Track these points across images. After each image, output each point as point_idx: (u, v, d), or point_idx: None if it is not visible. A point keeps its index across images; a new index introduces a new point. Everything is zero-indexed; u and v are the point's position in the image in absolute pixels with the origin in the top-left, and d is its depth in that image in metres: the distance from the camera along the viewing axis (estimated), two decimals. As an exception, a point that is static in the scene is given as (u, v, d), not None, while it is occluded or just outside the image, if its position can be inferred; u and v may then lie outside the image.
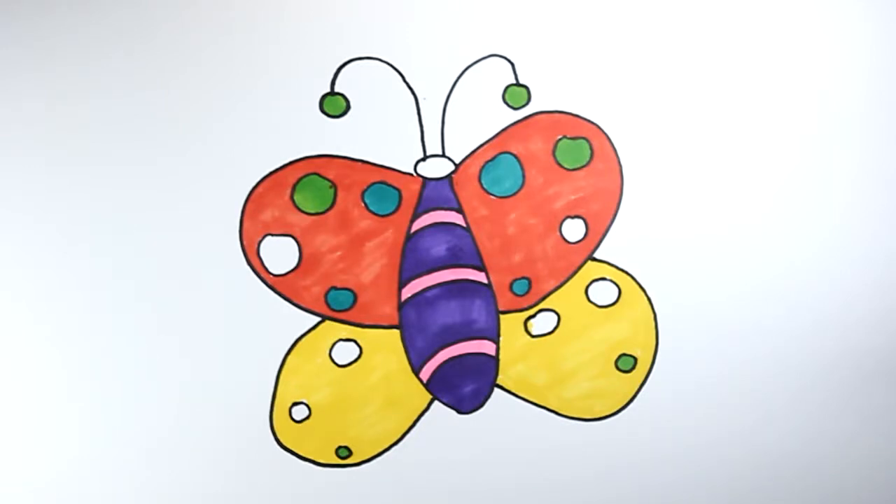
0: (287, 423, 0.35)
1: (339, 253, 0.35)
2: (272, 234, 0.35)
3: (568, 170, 0.37)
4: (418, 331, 0.36)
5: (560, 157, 0.37)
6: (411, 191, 0.36)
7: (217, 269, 0.34)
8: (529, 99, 0.37)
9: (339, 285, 0.35)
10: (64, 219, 0.34)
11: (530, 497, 0.37)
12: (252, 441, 0.35)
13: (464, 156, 0.36)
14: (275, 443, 0.35)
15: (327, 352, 0.35)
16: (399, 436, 0.36)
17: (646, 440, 0.37)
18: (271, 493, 0.35)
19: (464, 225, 0.36)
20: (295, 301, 0.35)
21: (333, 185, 0.35)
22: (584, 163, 0.37)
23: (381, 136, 0.36)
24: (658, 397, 0.38)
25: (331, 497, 0.35)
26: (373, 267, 0.36)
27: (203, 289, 0.34)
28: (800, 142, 0.39)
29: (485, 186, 0.36)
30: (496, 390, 0.37)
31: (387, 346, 0.36)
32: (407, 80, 0.36)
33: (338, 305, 0.35)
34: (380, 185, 0.35)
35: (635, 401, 0.38)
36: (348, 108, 0.35)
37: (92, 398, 0.34)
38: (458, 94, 0.36)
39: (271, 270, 0.35)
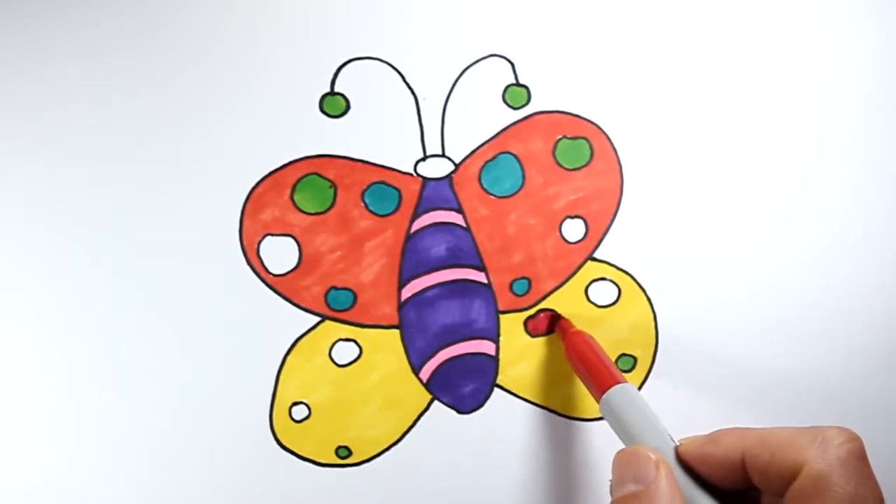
0: (287, 422, 0.35)
1: (339, 253, 0.35)
2: (272, 234, 0.35)
3: (568, 170, 0.37)
4: (418, 331, 0.36)
5: (560, 157, 0.37)
6: (411, 191, 0.36)
7: (217, 269, 0.34)
8: (529, 99, 0.37)
9: (339, 285, 0.35)
10: (64, 219, 0.34)
11: (530, 497, 0.37)
12: (252, 441, 0.35)
13: (464, 156, 0.36)
14: (274, 443, 0.35)
15: (327, 352, 0.35)
16: (399, 435, 0.36)
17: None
18: (271, 493, 0.35)
19: (464, 225, 0.36)
20: (295, 301, 0.35)
21: (333, 185, 0.35)
22: (584, 163, 0.37)
23: (381, 136, 0.36)
24: (658, 397, 0.38)
25: (331, 497, 0.35)
26: (373, 267, 0.36)
27: (203, 289, 0.34)
28: (801, 142, 0.39)
29: (485, 186, 0.36)
30: (496, 390, 0.37)
31: (387, 346, 0.36)
32: (407, 80, 0.36)
33: (338, 305, 0.35)
34: (380, 185, 0.35)
35: (635, 401, 0.37)
36: (348, 108, 0.35)
37: (91, 398, 0.34)
38: (458, 94, 0.36)
39: (271, 270, 0.35)
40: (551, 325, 0.37)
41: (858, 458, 0.22)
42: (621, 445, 0.29)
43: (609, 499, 0.26)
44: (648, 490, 0.24)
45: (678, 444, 0.27)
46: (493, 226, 0.36)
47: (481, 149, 0.36)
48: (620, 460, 0.26)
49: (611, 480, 0.26)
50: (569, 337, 0.35)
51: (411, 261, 0.36)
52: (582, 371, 0.33)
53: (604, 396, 0.30)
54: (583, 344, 0.34)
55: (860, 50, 0.39)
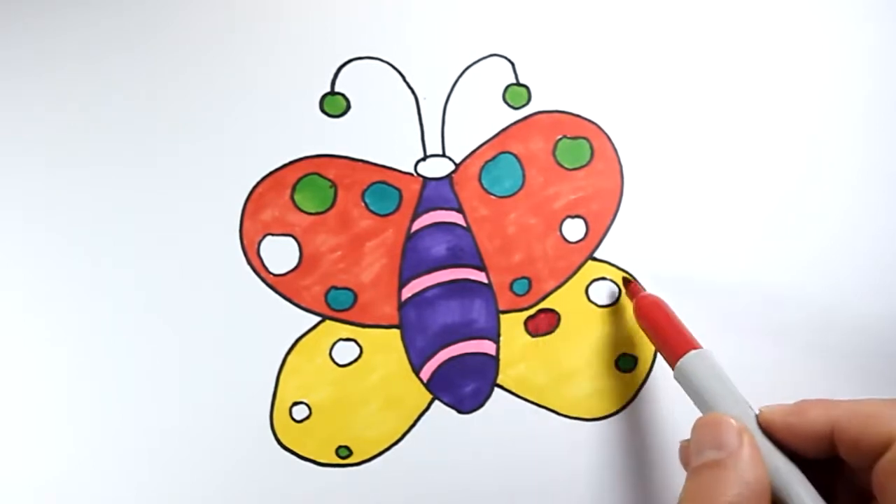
0: (287, 422, 0.35)
1: (339, 253, 0.35)
2: (272, 234, 0.35)
3: (568, 169, 0.37)
4: (418, 331, 0.36)
5: (560, 157, 0.37)
6: (411, 191, 0.36)
7: (217, 269, 0.34)
8: (529, 99, 0.37)
9: (339, 285, 0.35)
10: (64, 219, 0.34)
11: (530, 497, 0.37)
12: (252, 441, 0.35)
13: (464, 155, 0.36)
14: (275, 443, 0.35)
15: (327, 351, 0.35)
16: (399, 435, 0.36)
17: (645, 439, 0.37)
18: (271, 493, 0.35)
19: (464, 225, 0.36)
20: (295, 301, 0.35)
21: (333, 185, 0.35)
22: (584, 163, 0.37)
23: (381, 135, 0.36)
24: (658, 397, 0.38)
25: (331, 497, 0.35)
26: (373, 267, 0.36)
27: (203, 289, 0.34)
28: (801, 142, 0.39)
29: (485, 186, 0.36)
30: (496, 390, 0.37)
31: (387, 345, 0.36)
32: (407, 80, 0.36)
33: (338, 305, 0.35)
34: (380, 185, 0.35)
35: (635, 401, 0.38)
36: (348, 108, 0.35)
37: (91, 398, 0.34)
38: (458, 94, 0.36)
39: (271, 270, 0.35)
40: (623, 286, 0.36)
41: None
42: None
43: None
44: (732, 458, 0.23)
45: (759, 412, 0.26)
46: (493, 226, 0.36)
47: (481, 148, 0.36)
48: (701, 427, 0.25)
49: (683, 446, 0.25)
50: (639, 300, 0.34)
51: (411, 260, 0.36)
52: (655, 336, 0.32)
53: (679, 363, 0.29)
54: (655, 308, 0.33)
55: (860, 50, 0.39)
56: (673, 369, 0.30)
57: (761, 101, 0.38)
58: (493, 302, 0.36)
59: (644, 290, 0.35)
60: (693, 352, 0.29)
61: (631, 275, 0.36)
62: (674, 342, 0.30)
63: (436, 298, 0.36)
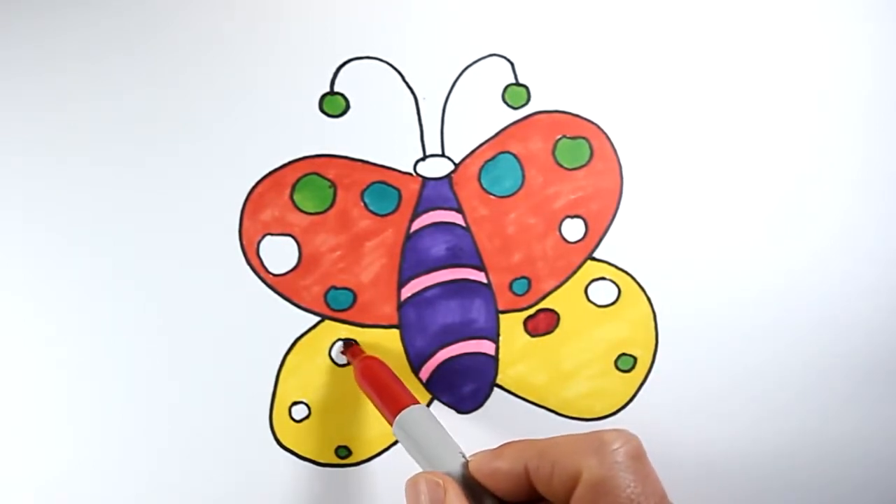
0: (287, 422, 0.35)
1: (338, 252, 0.35)
2: (272, 234, 0.35)
3: (568, 169, 0.37)
4: (418, 330, 0.36)
5: (560, 157, 0.37)
6: (411, 190, 0.36)
7: (217, 268, 0.34)
8: (529, 98, 0.37)
9: (338, 285, 0.35)
10: (64, 219, 0.34)
11: (530, 497, 0.37)
12: (252, 441, 0.35)
13: (463, 155, 0.36)
14: (274, 443, 0.35)
15: (327, 351, 0.35)
16: (399, 436, 0.36)
17: (645, 439, 0.37)
18: (271, 493, 0.35)
19: (463, 225, 0.36)
20: (295, 301, 0.35)
21: (333, 185, 0.35)
22: (583, 162, 0.37)
23: (380, 135, 0.36)
24: (658, 397, 0.38)
25: (331, 497, 0.35)
26: (372, 266, 0.36)
27: (203, 289, 0.34)
28: (801, 142, 0.39)
29: (484, 186, 0.36)
30: (496, 390, 0.37)
31: (386, 345, 0.36)
32: (407, 80, 0.36)
33: (337, 305, 0.35)
34: (379, 185, 0.35)
35: (635, 401, 0.38)
36: (348, 107, 0.35)
37: (91, 398, 0.34)
38: (458, 94, 0.36)
39: (271, 270, 0.35)
40: (344, 348, 0.36)
41: (636, 459, 0.22)
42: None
43: None
44: None
45: (468, 460, 0.26)
46: (492, 225, 0.36)
47: (481, 148, 0.36)
48: (409, 488, 0.26)
49: None
50: (360, 361, 0.34)
51: (411, 260, 0.36)
52: (375, 394, 0.32)
53: (397, 417, 0.29)
54: (375, 368, 0.33)
55: (860, 50, 0.39)
56: (392, 426, 0.30)
57: (761, 101, 0.38)
58: (493, 302, 0.36)
59: (364, 351, 0.35)
60: (412, 406, 0.29)
61: (355, 341, 0.36)
62: (392, 399, 0.31)
63: (435, 298, 0.36)
